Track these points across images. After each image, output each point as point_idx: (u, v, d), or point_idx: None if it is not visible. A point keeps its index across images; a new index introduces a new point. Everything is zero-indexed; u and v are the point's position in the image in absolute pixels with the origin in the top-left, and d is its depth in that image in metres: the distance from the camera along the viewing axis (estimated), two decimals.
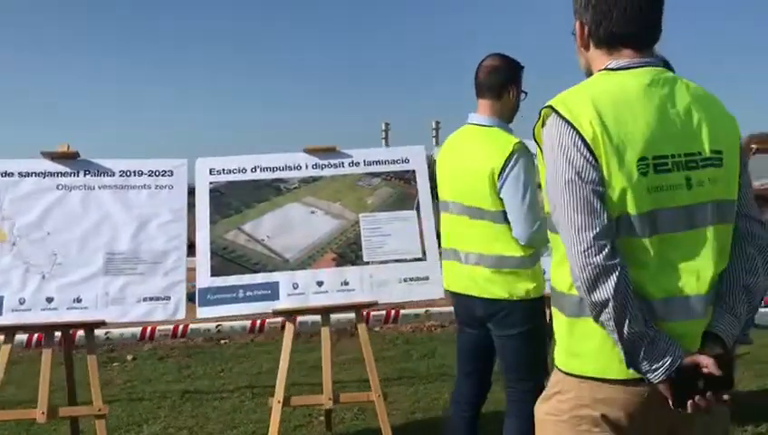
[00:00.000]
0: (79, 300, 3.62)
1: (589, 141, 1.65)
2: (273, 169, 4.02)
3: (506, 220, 2.77)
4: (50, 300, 3.59)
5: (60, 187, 3.79)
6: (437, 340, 6.62)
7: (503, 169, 2.72)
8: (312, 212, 3.95)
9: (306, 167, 4.04)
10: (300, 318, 4.25)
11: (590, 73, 1.89)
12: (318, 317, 3.84)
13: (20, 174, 3.79)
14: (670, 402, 1.61)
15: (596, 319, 1.66)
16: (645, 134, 1.66)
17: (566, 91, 1.78)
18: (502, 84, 2.92)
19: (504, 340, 2.92)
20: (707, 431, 1.77)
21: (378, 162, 4.08)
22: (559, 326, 1.84)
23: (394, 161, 4.09)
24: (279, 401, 3.59)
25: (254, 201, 3.94)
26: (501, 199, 2.75)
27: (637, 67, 1.76)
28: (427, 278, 3.83)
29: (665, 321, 1.64)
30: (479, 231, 2.84)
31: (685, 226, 1.68)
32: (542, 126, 1.78)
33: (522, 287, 2.81)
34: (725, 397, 1.62)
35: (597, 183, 1.64)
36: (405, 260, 3.85)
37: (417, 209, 3.97)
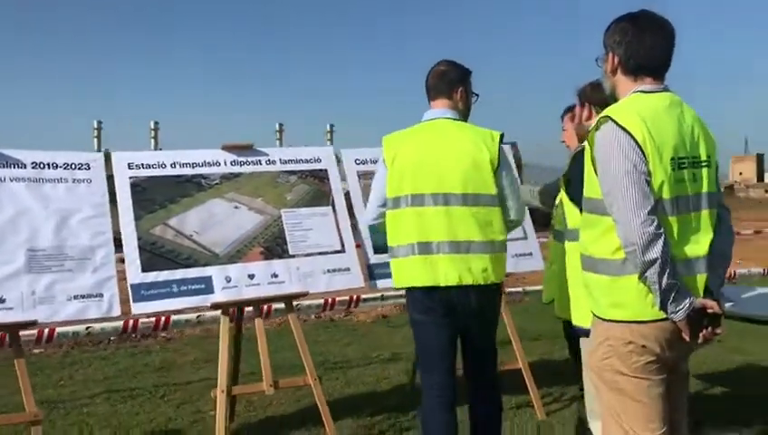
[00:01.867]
0: (2, 300, 3.35)
1: (640, 143, 2.21)
2: (192, 165, 4.05)
3: (500, 204, 3.05)
4: None
5: None
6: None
7: (498, 156, 3.05)
8: (236, 207, 4.05)
9: (225, 163, 4.13)
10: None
11: (613, 93, 2.47)
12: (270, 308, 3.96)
13: None
14: (686, 336, 2.23)
15: (642, 274, 2.21)
16: (672, 140, 2.28)
17: (615, 106, 2.35)
18: (451, 85, 3.18)
19: (488, 325, 3.14)
20: (686, 371, 2.47)
21: (293, 161, 4.30)
22: (598, 285, 2.38)
23: (307, 160, 4.34)
24: (222, 391, 3.67)
25: (177, 196, 3.93)
26: (496, 185, 3.03)
27: (658, 92, 2.36)
28: (348, 269, 4.15)
29: (683, 276, 2.26)
30: (477, 218, 3.01)
31: (693, 208, 2.32)
32: (597, 130, 2.30)
33: (503, 270, 3.14)
34: (719, 331, 2.31)
35: (647, 174, 2.22)
36: (327, 253, 4.13)
37: (332, 206, 4.27)
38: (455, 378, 3.12)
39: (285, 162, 4.28)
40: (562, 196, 3.03)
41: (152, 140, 44.13)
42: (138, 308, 3.64)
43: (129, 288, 3.64)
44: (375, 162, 4.54)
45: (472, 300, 3.01)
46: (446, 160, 3.04)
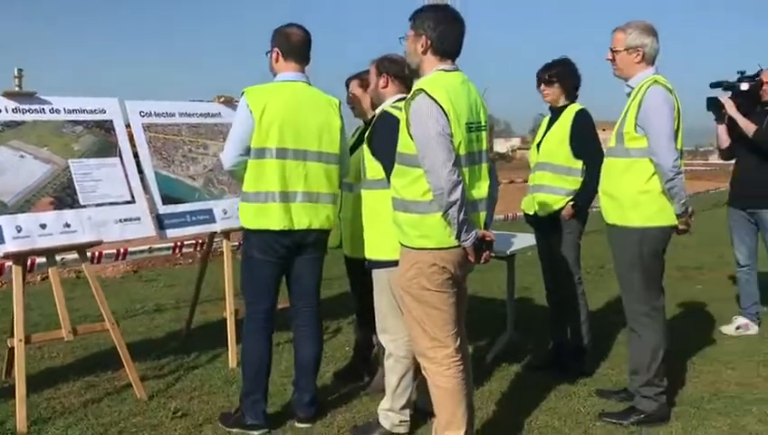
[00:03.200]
0: None
1: (446, 111, 2.85)
2: None
3: (338, 162, 3.66)
4: None
5: None
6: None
7: (341, 121, 3.64)
8: (22, 157, 3.96)
9: (7, 110, 3.99)
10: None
11: (417, 68, 3.06)
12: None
13: None
14: (472, 258, 2.96)
15: (446, 211, 2.85)
16: (466, 109, 2.95)
17: (425, 81, 2.95)
18: (308, 52, 3.60)
19: (320, 263, 3.68)
20: (465, 287, 3.22)
21: (77, 111, 4.27)
22: (409, 221, 2.98)
23: (92, 111, 4.34)
24: (21, 340, 3.66)
25: None
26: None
27: (455, 71, 3.01)
28: (138, 219, 4.29)
29: (470, 213, 2.96)
30: (326, 173, 3.57)
31: (477, 162, 3.03)
32: (412, 100, 2.88)
33: (335, 218, 3.75)
34: (492, 254, 3.09)
35: (450, 136, 2.86)
36: (117, 203, 4.22)
37: (120, 156, 4.34)
38: (275, 311, 3.62)
39: (70, 112, 4.24)
40: (364, 152, 3.54)
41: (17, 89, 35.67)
42: None
43: None
44: (159, 115, 4.73)
45: (311, 241, 3.54)
46: (305, 120, 3.49)
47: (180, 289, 7.11)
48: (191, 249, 7.98)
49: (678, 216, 3.54)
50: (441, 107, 2.83)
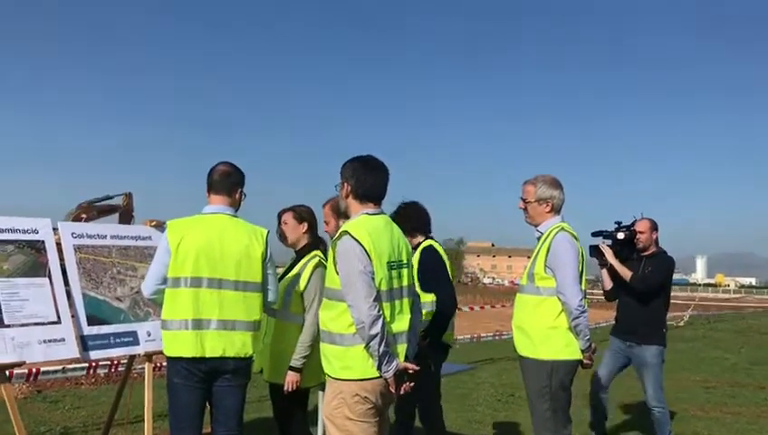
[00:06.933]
0: None
1: (368, 251, 3.12)
2: None
3: (262, 289, 3.70)
4: None
5: None
6: None
7: (266, 250, 3.71)
8: None
9: None
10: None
11: (346, 210, 3.35)
12: None
13: None
14: (392, 389, 3.16)
15: (367, 344, 3.08)
16: (387, 249, 3.23)
17: (350, 224, 3.23)
18: (233, 186, 3.74)
19: (240, 389, 3.66)
20: (387, 416, 3.41)
21: (9, 230, 4.32)
22: (334, 353, 3.18)
23: (25, 231, 4.40)
24: None
25: None
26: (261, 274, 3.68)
27: (378, 214, 3.32)
28: (63, 340, 4.28)
29: (392, 344, 3.18)
30: (244, 301, 3.61)
31: (397, 297, 3.29)
32: (339, 240, 3.15)
33: (258, 344, 3.85)
34: (412, 385, 3.29)
35: (372, 273, 3.12)
36: (43, 323, 4.22)
37: (49, 276, 4.38)
38: None
39: (2, 231, 4.28)
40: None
41: None
42: None
43: None
44: (90, 236, 4.81)
45: (230, 368, 3.57)
46: (222, 250, 3.59)
47: (88, 411, 6.85)
48: (105, 370, 7.75)
49: (583, 351, 3.87)
50: (363, 247, 3.11)
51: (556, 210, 4.04)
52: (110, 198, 17.18)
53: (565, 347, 3.87)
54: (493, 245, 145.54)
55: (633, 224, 5.63)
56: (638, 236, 5.55)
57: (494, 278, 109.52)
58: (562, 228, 3.95)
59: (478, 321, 20.36)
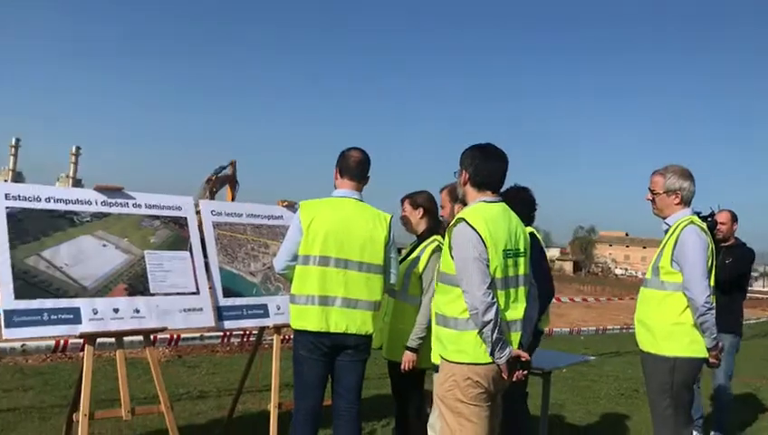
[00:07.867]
0: None
1: (483, 238, 3.16)
2: (66, 202, 4.31)
3: (383, 272, 3.88)
4: None
5: None
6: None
7: (388, 234, 3.89)
8: (104, 245, 4.37)
9: (96, 203, 4.44)
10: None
11: (463, 197, 3.41)
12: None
13: None
14: (505, 375, 3.19)
15: (481, 329, 3.13)
16: (504, 237, 3.25)
17: (467, 211, 3.28)
18: (364, 174, 3.96)
19: (360, 363, 3.87)
20: (500, 402, 3.43)
21: (156, 206, 4.71)
22: (447, 336, 3.25)
23: (170, 207, 4.77)
24: (85, 415, 3.94)
25: (50, 230, 4.17)
26: (384, 257, 3.86)
27: (496, 202, 3.35)
28: (201, 309, 4.63)
29: (506, 332, 3.21)
30: (367, 281, 3.79)
31: (513, 286, 3.31)
32: (454, 226, 3.21)
33: (378, 322, 4.00)
34: (525, 372, 3.31)
35: (487, 260, 3.15)
36: (183, 293, 4.58)
37: (190, 250, 4.74)
38: (322, 407, 3.84)
39: (150, 207, 4.67)
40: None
41: (72, 166, 38.55)
42: (9, 334, 3.81)
43: (1, 313, 3.80)
44: (228, 214, 5.14)
45: (351, 344, 3.78)
46: (349, 233, 3.80)
47: (222, 377, 7.36)
48: (238, 339, 8.27)
49: (709, 349, 3.74)
50: (479, 234, 3.16)
51: (686, 202, 3.91)
52: (224, 167, 18.71)
53: (689, 344, 3.75)
54: (627, 234, 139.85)
55: (712, 214, 5.40)
56: (718, 227, 5.39)
57: (626, 269, 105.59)
58: (692, 221, 3.82)
59: (606, 312, 19.81)
